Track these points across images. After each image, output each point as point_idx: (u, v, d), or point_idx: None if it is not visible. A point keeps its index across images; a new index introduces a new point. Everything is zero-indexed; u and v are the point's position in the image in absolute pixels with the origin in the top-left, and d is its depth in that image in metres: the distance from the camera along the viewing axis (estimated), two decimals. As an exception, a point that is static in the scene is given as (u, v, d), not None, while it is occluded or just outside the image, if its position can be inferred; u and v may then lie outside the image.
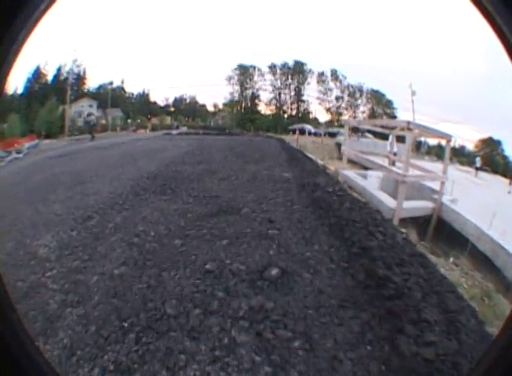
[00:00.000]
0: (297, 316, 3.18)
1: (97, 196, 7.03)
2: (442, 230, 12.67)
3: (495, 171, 39.76)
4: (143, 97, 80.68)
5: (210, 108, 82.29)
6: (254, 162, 11.29)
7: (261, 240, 4.76)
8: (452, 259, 10.44)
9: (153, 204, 6.45)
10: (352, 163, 18.00)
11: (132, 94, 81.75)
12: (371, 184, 14.49)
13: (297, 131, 38.37)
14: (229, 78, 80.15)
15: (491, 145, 73.67)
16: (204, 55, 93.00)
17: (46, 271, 4.06)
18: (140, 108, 73.28)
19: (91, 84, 73.47)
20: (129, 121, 64.58)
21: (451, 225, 12.65)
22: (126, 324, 3.23)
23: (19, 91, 68.14)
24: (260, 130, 60.31)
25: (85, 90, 67.49)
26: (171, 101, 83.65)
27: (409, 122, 11.91)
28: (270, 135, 36.39)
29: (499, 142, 74.68)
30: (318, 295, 3.48)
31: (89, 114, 20.73)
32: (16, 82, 66.70)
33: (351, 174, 15.46)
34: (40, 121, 55.47)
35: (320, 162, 16.82)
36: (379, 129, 23.91)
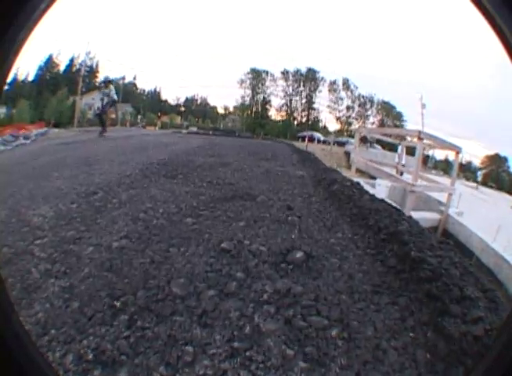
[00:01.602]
0: (331, 302, 2.79)
1: (103, 176, 6.79)
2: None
3: (500, 188, 40.27)
4: (154, 95, 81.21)
5: (221, 110, 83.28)
6: (266, 160, 11.14)
7: (281, 224, 4.50)
8: None
9: (163, 185, 6.19)
10: (360, 172, 17.95)
11: (144, 90, 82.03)
12: (379, 193, 13.87)
13: (307, 138, 38.49)
14: (241, 82, 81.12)
15: (497, 161, 74.76)
16: (218, 57, 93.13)
17: (36, 239, 3.63)
18: (151, 105, 73.87)
19: (104, 77, 74.00)
20: (139, 117, 64.91)
21: (456, 238, 12.58)
22: (118, 303, 2.63)
23: (30, 78, 68.39)
24: (269, 135, 60.70)
25: (97, 83, 68.03)
26: (182, 101, 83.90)
27: (420, 131, 11.78)
28: (280, 140, 36.01)
29: (505, 159, 75.69)
30: (349, 280, 3.16)
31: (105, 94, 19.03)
32: (28, 69, 67.30)
33: (360, 182, 15.12)
34: (50, 109, 55.71)
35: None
36: (389, 139, 23.92)
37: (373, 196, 6.76)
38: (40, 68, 69.12)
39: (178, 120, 72.80)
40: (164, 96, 79.21)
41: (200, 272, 3.10)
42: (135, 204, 5.02)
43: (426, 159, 41.42)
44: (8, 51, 1.15)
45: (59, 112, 56.99)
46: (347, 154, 23.46)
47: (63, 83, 64.91)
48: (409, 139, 20.18)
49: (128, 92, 70.81)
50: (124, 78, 76.24)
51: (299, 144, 33.53)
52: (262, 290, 2.89)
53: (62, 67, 72.00)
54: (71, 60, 72.56)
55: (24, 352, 1.21)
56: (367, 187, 14.53)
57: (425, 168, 39.30)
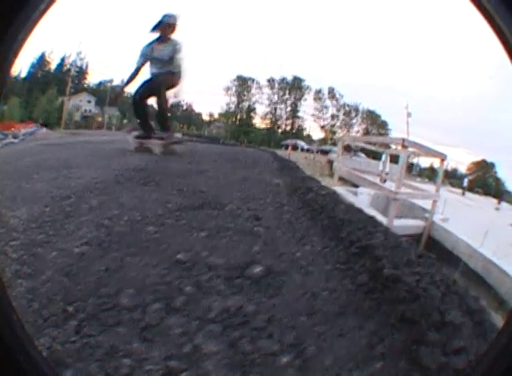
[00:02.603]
0: (286, 324, 2.47)
1: (79, 180, 6.69)
2: (433, 249, 12.16)
3: (487, 193, 40.99)
4: None
5: (206, 117, 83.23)
6: (245, 167, 10.96)
7: (245, 235, 4.23)
8: None
9: (134, 192, 6.03)
10: (343, 181, 17.83)
11: (130, 94, 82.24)
12: (361, 201, 14.21)
13: (290, 147, 38.49)
14: (227, 89, 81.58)
15: (484, 167, 75.90)
16: (205, 63, 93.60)
17: (11, 240, 3.59)
18: None
19: (92, 79, 73.06)
20: (125, 121, 64.68)
21: (442, 244, 12.63)
22: (71, 308, 2.53)
23: (23, 74, 68.49)
24: (253, 143, 60.88)
25: (85, 85, 67.90)
26: (167, 106, 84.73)
27: (404, 139, 11.61)
28: (263, 148, 36.02)
29: (492, 165, 76.87)
30: (311, 299, 2.83)
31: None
32: (21, 65, 67.19)
33: (342, 190, 15.33)
34: (39, 109, 55.72)
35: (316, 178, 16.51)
36: (373, 147, 23.91)
37: (349, 205, 6.44)
38: (32, 66, 69.30)
39: None
40: (149, 101, 79.30)
41: (151, 284, 2.88)
42: (103, 211, 4.88)
43: (411, 167, 41.74)
44: (8, 51, 1.15)
45: (48, 112, 57.08)
46: (330, 163, 23.38)
47: (53, 82, 65.03)
48: (393, 147, 20.06)
49: (118, 95, 70.94)
50: (112, 81, 76.44)
51: (282, 152, 33.58)
52: (210, 307, 2.62)
53: (53, 66, 72.28)
54: (62, 60, 72.70)
55: (24, 352, 1.21)
56: (349, 195, 14.52)
57: (410, 175, 39.69)
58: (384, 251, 3.52)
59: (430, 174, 67.98)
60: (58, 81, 64.56)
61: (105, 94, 69.65)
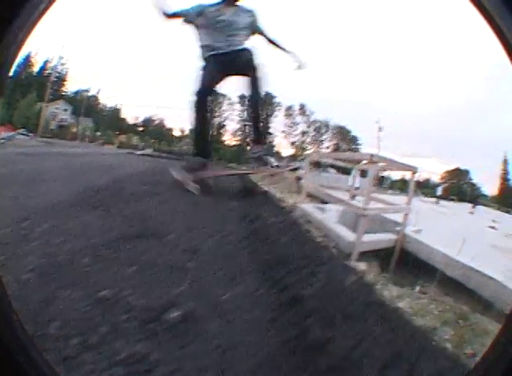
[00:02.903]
0: None
1: (40, 198, 6.42)
2: (407, 261, 12.38)
3: (462, 199, 41.85)
4: (114, 111, 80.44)
5: (177, 133, 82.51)
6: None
7: (175, 272, 3.97)
8: (418, 288, 10.00)
9: (83, 217, 5.65)
10: (313, 197, 17.59)
11: (105, 106, 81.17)
12: (330, 218, 14.05)
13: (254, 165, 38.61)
14: None
15: (458, 175, 77.13)
16: (178, 77, 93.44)
17: None
18: (110, 122, 73.00)
19: (71, 87, 72.54)
20: (98, 133, 64.19)
21: (416, 256, 12.39)
22: None
23: (10, 73, 69.33)
24: (223, 160, 60.64)
25: (63, 92, 67.26)
26: (140, 120, 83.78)
27: (372, 155, 11.35)
28: (229, 166, 35.93)
29: (466, 172, 78.19)
30: (226, 353, 2.56)
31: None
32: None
33: (310, 207, 15.10)
34: (19, 113, 55.11)
35: (279, 195, 16.57)
36: (342, 163, 23.95)
37: (299, 235, 6.18)
38: (18, 65, 68.47)
39: (134, 140, 72.31)
40: (123, 114, 78.86)
41: (75, 318, 2.71)
42: (51, 237, 4.52)
43: (381, 180, 42.17)
44: (7, 51, 1.19)
45: (27, 118, 56.57)
46: (299, 179, 23.18)
47: (34, 85, 64.42)
48: (364, 162, 20.03)
49: (91, 105, 70.28)
50: (88, 91, 75.86)
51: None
52: (120, 349, 2.41)
53: (36, 68, 71.55)
54: (45, 63, 71.92)
55: (24, 352, 1.24)
56: (317, 213, 14.30)
57: (381, 188, 40.09)
58: (318, 303, 3.21)
59: (401, 186, 68.93)
60: (38, 84, 63.93)
61: (81, 103, 69.15)
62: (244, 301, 3.48)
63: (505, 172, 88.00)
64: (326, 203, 16.32)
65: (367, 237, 11.80)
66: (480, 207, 60.06)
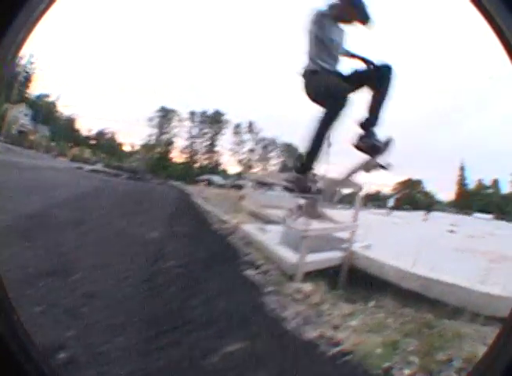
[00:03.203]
0: None
1: None
2: (358, 277, 12.08)
3: (416, 208, 42.58)
4: (69, 121, 78.48)
5: (128, 148, 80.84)
6: (133, 214, 10.70)
7: (67, 316, 4.01)
8: (373, 303, 9.92)
9: (12, 248, 5.79)
10: (257, 217, 17.26)
11: (62, 114, 78.91)
12: (271, 238, 13.76)
13: (199, 183, 38.59)
14: (150, 119, 79.30)
15: (411, 185, 78.56)
16: (133, 90, 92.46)
17: None
18: (65, 133, 71.11)
19: (34, 90, 70.91)
20: (53, 144, 62.43)
21: (366, 272, 12.12)
22: None
23: None
24: (170, 178, 59.88)
25: (27, 94, 65.28)
26: (93, 133, 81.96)
27: (313, 175, 11.01)
28: (175, 185, 35.81)
29: (419, 182, 79.69)
30: None
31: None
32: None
33: (251, 228, 14.95)
34: None
35: (222, 216, 16.65)
36: (284, 183, 23.73)
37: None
38: None
39: (87, 153, 70.90)
40: (78, 125, 77.24)
41: None
42: None
43: (332, 194, 42.27)
44: (8, 51, 1.21)
45: None
46: (242, 198, 22.93)
47: (2, 84, 62.60)
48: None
49: (50, 112, 68.45)
50: (49, 96, 73.67)
51: (197, 188, 33.86)
52: None
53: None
54: (17, 60, 69.41)
55: (24, 352, 1.27)
56: (259, 233, 13.92)
57: (330, 203, 39.80)
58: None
59: (352, 199, 69.22)
60: (8, 84, 62.00)
61: (41, 109, 67.30)
62: (121, 354, 3.28)
63: (462, 178, 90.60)
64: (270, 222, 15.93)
65: (312, 257, 11.54)
66: (435, 214, 61.40)
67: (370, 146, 6.37)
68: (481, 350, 7.62)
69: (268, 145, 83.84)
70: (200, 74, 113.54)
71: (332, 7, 6.32)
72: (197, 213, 14.32)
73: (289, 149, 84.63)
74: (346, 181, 16.72)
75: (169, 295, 5.06)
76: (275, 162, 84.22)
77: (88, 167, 44.02)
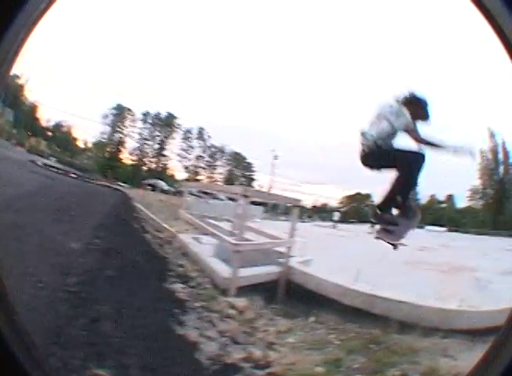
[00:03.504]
0: None
1: None
2: (296, 292, 11.88)
3: (363, 221, 43.25)
4: (32, 108, 75.89)
5: (81, 144, 78.04)
6: (60, 221, 9.92)
7: None
8: (312, 319, 9.81)
9: None
10: (196, 226, 17.05)
11: (27, 100, 75.55)
12: (205, 250, 13.41)
13: (143, 187, 38.52)
14: (106, 117, 76.44)
15: (359, 199, 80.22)
16: (88, 85, 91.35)
17: None
18: (26, 120, 68.76)
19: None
20: (14, 131, 60.41)
21: (304, 287, 11.89)
22: None
23: None
24: (118, 179, 58.83)
25: None
26: (51, 124, 79.46)
27: (245, 189, 10.83)
28: (119, 189, 35.15)
29: (368, 196, 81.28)
30: None
31: None
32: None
33: (187, 238, 14.69)
34: None
35: (161, 224, 16.53)
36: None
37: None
38: None
39: (43, 146, 68.59)
40: (39, 113, 74.31)
41: None
42: None
43: (275, 206, 42.79)
44: (8, 51, 1.24)
45: None
46: (185, 206, 22.67)
47: None
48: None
49: (16, 96, 65.64)
50: (18, 77, 70.12)
51: (140, 193, 34.97)
52: None
53: None
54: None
55: (25, 351, 1.33)
56: (195, 244, 13.65)
57: (273, 215, 40.53)
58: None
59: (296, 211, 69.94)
60: None
61: (9, 91, 64.62)
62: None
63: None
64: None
65: (247, 271, 11.30)
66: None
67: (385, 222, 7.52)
68: (443, 362, 7.68)
69: (216, 153, 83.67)
70: (159, 75, 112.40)
71: (407, 103, 7.36)
72: (135, 220, 13.81)
73: (236, 157, 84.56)
74: (280, 196, 16.67)
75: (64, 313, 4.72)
76: (221, 170, 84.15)
77: (41, 160, 42.78)
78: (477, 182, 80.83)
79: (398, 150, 7.20)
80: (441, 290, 12.44)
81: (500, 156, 77.82)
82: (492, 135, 77.31)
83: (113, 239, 8.42)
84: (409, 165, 6.85)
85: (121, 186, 46.63)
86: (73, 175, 33.45)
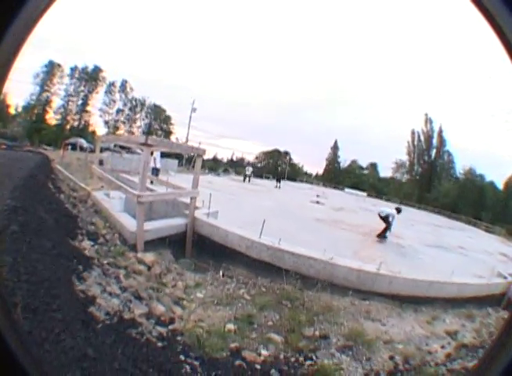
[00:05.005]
0: None
1: None
2: (205, 245, 11.82)
3: (279, 177, 44.09)
4: None
5: (13, 111, 72.75)
6: None
7: None
8: (221, 272, 9.73)
9: None
10: (109, 182, 16.71)
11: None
12: (115, 205, 13.29)
13: (63, 148, 36.89)
14: (37, 76, 71.41)
15: (276, 156, 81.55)
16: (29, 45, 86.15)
17: None
18: None
19: None
20: None
21: (211, 239, 11.84)
22: None
23: None
24: (42, 143, 55.85)
25: None
26: None
27: (147, 138, 10.47)
28: (41, 152, 33.02)
29: (286, 153, 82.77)
30: None
31: None
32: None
33: (99, 195, 14.26)
34: None
35: (78, 183, 16.23)
36: (133, 146, 23.33)
37: None
38: None
39: None
40: None
41: None
42: None
43: (190, 159, 42.48)
44: (8, 51, 1.20)
45: None
46: (102, 162, 21.90)
47: None
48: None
49: None
50: None
51: (60, 153, 32.79)
52: None
53: None
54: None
55: (25, 351, 1.29)
56: (106, 200, 13.28)
57: (190, 168, 40.18)
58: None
59: (212, 165, 70.11)
60: None
61: None
62: None
63: (334, 156, 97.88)
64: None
65: (153, 224, 11.16)
66: (301, 185, 63.12)
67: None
68: (368, 326, 7.74)
69: (136, 106, 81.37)
70: (89, 29, 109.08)
71: None
72: (52, 181, 13.27)
73: (156, 110, 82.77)
74: (185, 147, 16.55)
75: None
76: (139, 124, 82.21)
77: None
78: (404, 157, 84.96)
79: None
80: (360, 250, 12.98)
81: (435, 141, 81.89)
82: (430, 121, 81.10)
83: (23, 199, 8.03)
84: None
85: (45, 149, 44.20)
86: (3, 146, 31.57)
